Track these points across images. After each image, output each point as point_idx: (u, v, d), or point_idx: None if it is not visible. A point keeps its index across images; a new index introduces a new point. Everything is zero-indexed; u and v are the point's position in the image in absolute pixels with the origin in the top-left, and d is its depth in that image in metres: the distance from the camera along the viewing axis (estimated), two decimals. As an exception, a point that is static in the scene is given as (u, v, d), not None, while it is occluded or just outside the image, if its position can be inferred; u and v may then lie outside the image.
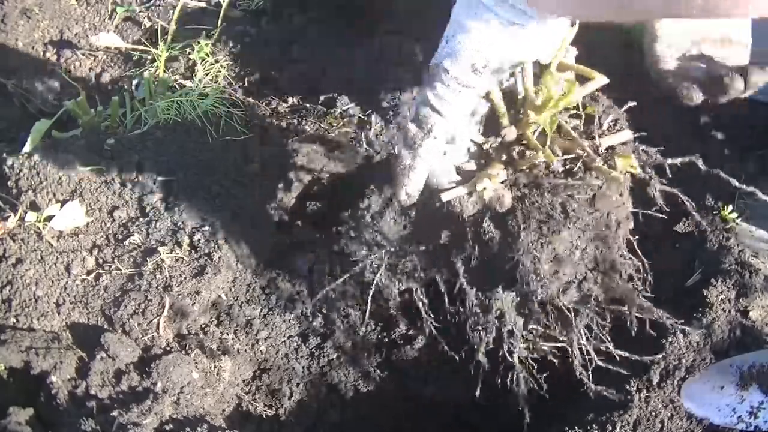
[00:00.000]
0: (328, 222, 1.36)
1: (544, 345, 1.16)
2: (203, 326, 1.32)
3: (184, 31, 1.81)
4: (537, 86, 1.01)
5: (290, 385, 1.38)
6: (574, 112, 1.09)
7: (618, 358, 1.12)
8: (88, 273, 1.29)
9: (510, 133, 1.04)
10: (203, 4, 1.88)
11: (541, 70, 1.01)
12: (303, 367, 1.38)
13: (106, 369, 1.19)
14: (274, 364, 1.37)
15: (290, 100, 1.71)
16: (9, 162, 1.36)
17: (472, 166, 1.07)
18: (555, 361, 1.19)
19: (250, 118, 1.61)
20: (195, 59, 1.72)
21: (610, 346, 1.12)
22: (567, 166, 1.05)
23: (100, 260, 1.31)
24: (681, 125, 1.56)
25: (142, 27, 1.86)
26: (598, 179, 1.04)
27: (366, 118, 1.61)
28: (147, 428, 1.13)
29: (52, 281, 1.26)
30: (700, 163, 1.08)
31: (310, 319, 1.38)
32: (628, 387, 1.22)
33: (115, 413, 1.13)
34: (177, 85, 1.69)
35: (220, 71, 1.67)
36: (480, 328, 1.11)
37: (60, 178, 1.35)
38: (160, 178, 1.41)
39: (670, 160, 1.10)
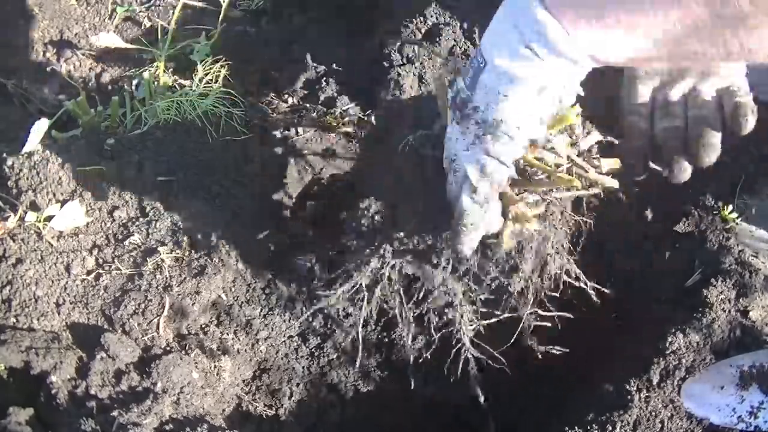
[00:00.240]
0: (328, 222, 1.36)
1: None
2: (203, 326, 1.32)
3: (184, 31, 1.82)
4: None
5: (290, 385, 1.38)
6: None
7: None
8: (88, 273, 1.29)
9: None
10: (203, 4, 1.88)
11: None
12: (303, 367, 1.39)
13: (106, 369, 1.19)
14: (274, 364, 1.37)
15: (290, 100, 1.71)
16: (9, 162, 1.36)
17: None
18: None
19: (250, 118, 1.62)
20: (195, 59, 1.72)
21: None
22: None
23: (100, 260, 1.31)
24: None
25: (142, 27, 1.86)
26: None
27: (366, 118, 1.61)
28: (147, 428, 1.13)
29: (52, 281, 1.26)
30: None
31: (310, 319, 1.38)
32: (628, 387, 1.23)
33: (115, 413, 1.13)
34: (177, 85, 1.69)
35: (220, 71, 1.67)
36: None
37: (60, 178, 1.35)
38: (160, 178, 1.41)
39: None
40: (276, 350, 1.37)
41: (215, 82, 1.65)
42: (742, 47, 0.83)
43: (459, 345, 1.18)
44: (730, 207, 1.40)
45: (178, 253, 1.31)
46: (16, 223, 1.30)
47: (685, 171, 1.18)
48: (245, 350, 1.35)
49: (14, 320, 1.23)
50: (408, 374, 1.30)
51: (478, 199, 0.99)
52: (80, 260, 1.29)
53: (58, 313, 1.25)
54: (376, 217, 1.12)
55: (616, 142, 1.16)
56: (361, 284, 1.14)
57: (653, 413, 1.20)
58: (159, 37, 1.78)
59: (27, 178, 1.34)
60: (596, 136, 1.13)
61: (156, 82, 1.64)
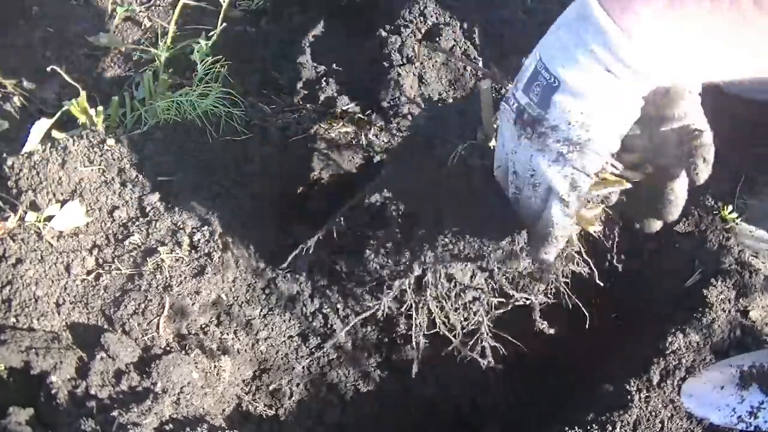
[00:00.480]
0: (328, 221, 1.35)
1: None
2: (203, 326, 1.32)
3: (184, 31, 1.82)
4: None
5: (290, 385, 1.38)
6: None
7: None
8: (88, 273, 1.29)
9: None
10: (203, 4, 1.88)
11: None
12: (303, 367, 1.38)
13: (106, 369, 1.19)
14: (274, 364, 1.37)
15: (290, 100, 1.71)
16: (9, 162, 1.36)
17: None
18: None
19: (250, 118, 1.61)
20: (195, 59, 1.72)
21: None
22: None
23: (100, 260, 1.31)
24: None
25: (142, 27, 1.87)
26: None
27: (366, 118, 1.61)
28: (147, 428, 1.13)
29: (52, 281, 1.26)
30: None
31: (310, 319, 1.38)
32: (628, 387, 1.23)
33: (115, 413, 1.13)
34: (177, 85, 1.69)
35: (220, 71, 1.67)
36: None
37: (60, 178, 1.35)
38: (160, 178, 1.41)
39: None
40: (276, 350, 1.37)
41: (215, 82, 1.65)
42: None
43: (477, 335, 1.20)
44: (730, 207, 1.40)
45: (178, 253, 1.32)
46: (16, 223, 1.30)
47: (654, 226, 1.14)
48: (245, 350, 1.35)
49: (14, 320, 1.23)
50: (411, 373, 1.30)
51: (569, 212, 0.99)
52: (80, 260, 1.29)
53: (58, 313, 1.25)
54: (409, 222, 1.15)
55: None
56: (405, 289, 1.16)
57: (653, 413, 1.20)
58: (159, 37, 1.78)
59: (27, 178, 1.34)
60: None
61: (156, 82, 1.64)
